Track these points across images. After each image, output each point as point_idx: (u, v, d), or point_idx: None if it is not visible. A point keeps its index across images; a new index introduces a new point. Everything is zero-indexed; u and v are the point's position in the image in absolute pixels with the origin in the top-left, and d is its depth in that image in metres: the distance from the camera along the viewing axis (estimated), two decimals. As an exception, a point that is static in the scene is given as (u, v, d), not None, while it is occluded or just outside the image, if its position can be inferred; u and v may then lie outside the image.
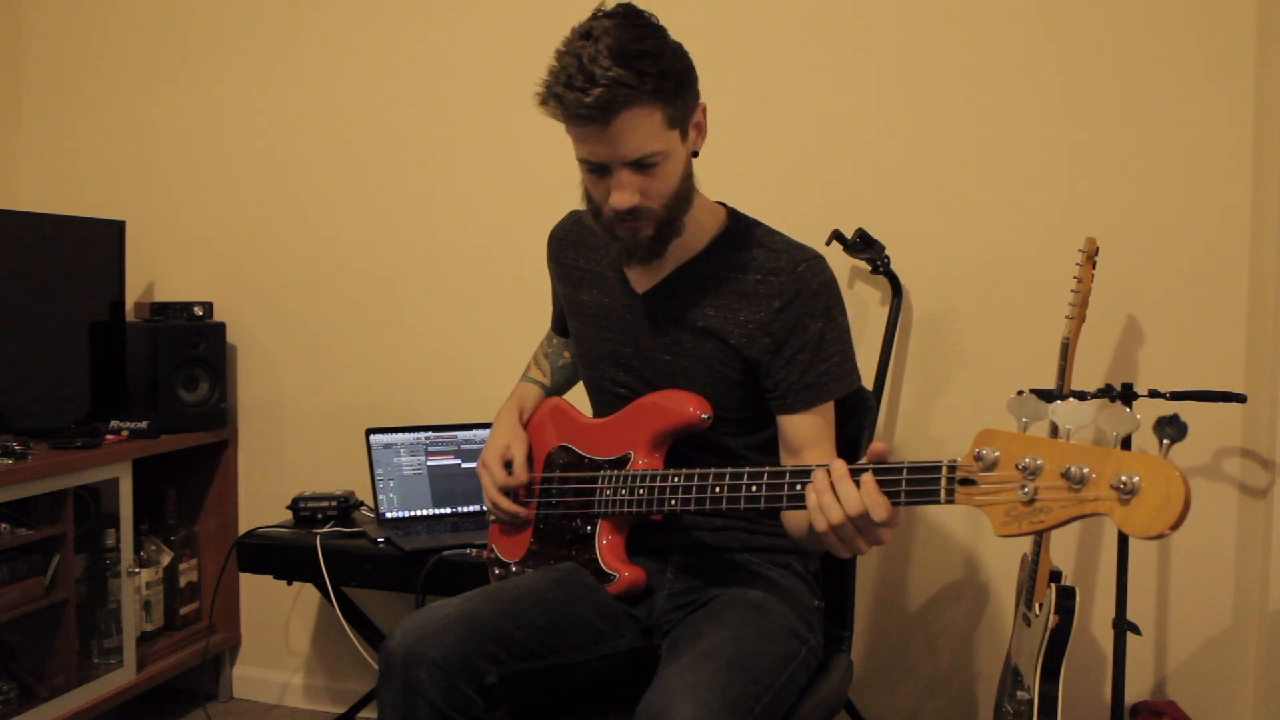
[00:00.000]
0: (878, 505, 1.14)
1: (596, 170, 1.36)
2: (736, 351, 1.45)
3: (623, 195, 1.35)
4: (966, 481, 1.08)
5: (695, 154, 1.43)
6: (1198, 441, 2.04)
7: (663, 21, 1.38)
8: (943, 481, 1.10)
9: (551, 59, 1.33)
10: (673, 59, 1.32)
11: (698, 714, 1.18)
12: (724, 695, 1.22)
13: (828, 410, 1.47)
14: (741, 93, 2.27)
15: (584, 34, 1.30)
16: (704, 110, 1.41)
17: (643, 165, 1.34)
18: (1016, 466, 1.03)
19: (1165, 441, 1.00)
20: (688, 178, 1.42)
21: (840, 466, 1.18)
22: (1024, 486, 1.02)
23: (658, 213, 1.39)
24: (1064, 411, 1.04)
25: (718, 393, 1.48)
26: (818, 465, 1.22)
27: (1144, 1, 2.03)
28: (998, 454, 1.05)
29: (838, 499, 1.16)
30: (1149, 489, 0.93)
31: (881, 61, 2.19)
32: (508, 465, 1.62)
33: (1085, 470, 0.97)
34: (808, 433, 1.45)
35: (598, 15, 1.33)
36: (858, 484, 1.16)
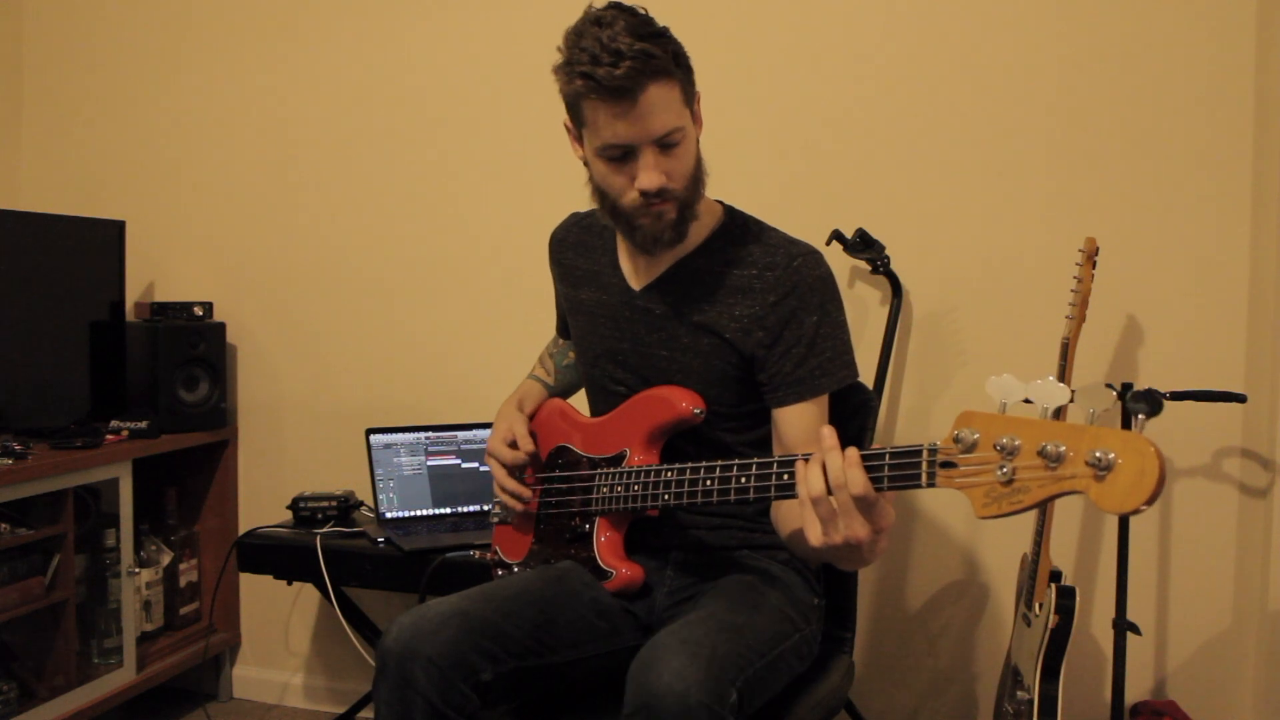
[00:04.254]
0: (856, 481, 1.13)
1: (619, 158, 1.38)
2: (732, 346, 1.46)
3: (650, 175, 1.36)
4: (947, 464, 1.07)
5: (696, 140, 1.44)
6: (1198, 441, 2.04)
7: (665, 20, 1.38)
8: (924, 465, 1.10)
9: (559, 50, 1.36)
10: (678, 45, 1.37)
11: (687, 665, 1.18)
12: (714, 651, 1.22)
13: (821, 403, 1.47)
14: (742, 93, 2.27)
15: (594, 21, 1.33)
16: (699, 100, 1.44)
17: (666, 145, 1.37)
18: (995, 447, 1.02)
19: (1139, 416, 1.00)
20: (700, 160, 1.44)
21: (831, 438, 1.18)
22: (1002, 467, 1.01)
23: (680, 194, 1.41)
24: (1041, 390, 1.03)
25: (715, 388, 1.48)
26: (804, 455, 1.22)
27: (1144, 1, 2.03)
28: (977, 435, 1.05)
29: (824, 470, 1.16)
30: (1124, 465, 0.93)
31: (882, 62, 2.19)
32: (513, 447, 1.62)
33: (1061, 448, 0.97)
34: (801, 427, 1.45)
35: (597, 9, 1.36)
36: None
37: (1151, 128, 2.04)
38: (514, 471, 1.61)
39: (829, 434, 1.17)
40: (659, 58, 1.31)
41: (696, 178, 1.43)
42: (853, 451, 1.14)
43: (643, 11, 1.37)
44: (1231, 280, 2.01)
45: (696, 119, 1.43)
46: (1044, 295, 2.09)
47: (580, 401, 1.70)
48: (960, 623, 2.22)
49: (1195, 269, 2.03)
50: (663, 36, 1.34)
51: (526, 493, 1.60)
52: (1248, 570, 2.00)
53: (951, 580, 2.22)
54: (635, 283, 1.54)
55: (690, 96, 1.40)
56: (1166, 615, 2.08)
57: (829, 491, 1.15)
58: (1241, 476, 2.03)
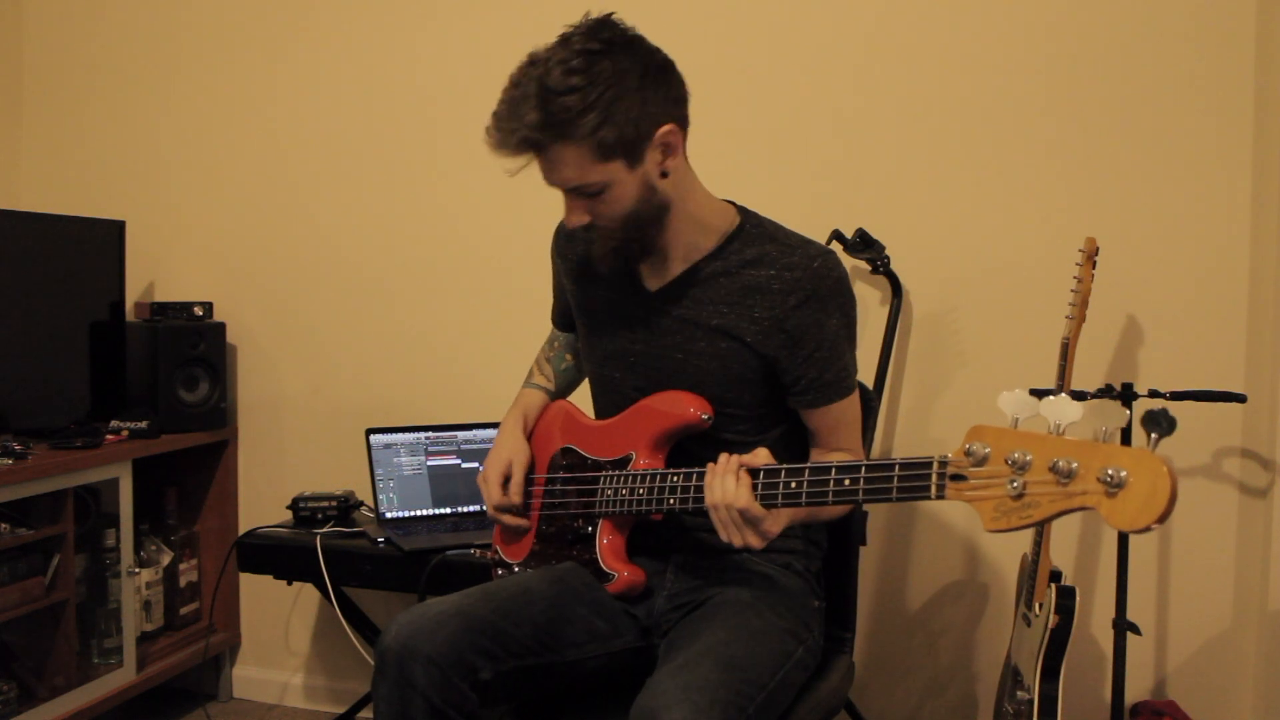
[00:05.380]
0: (738, 498, 1.28)
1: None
2: (752, 349, 1.46)
3: (570, 216, 1.42)
4: (957, 477, 1.08)
5: (665, 174, 1.40)
6: (1198, 441, 2.04)
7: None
8: (933, 477, 1.11)
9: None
10: (604, 94, 1.29)
11: (689, 716, 1.18)
12: (715, 696, 1.22)
13: (851, 397, 1.51)
14: (742, 93, 2.27)
15: (530, 62, 1.33)
16: (673, 131, 1.36)
17: (583, 192, 1.37)
18: (1006, 461, 1.03)
19: (1154, 436, 1.00)
20: (646, 200, 1.40)
21: (733, 461, 1.31)
22: (1013, 481, 1.02)
23: (615, 232, 1.43)
24: (1053, 407, 1.04)
25: (732, 390, 1.48)
26: (765, 466, 1.31)
27: (1144, 1, 2.03)
28: (988, 449, 1.05)
29: (722, 484, 1.30)
30: (1135, 482, 0.93)
31: (882, 62, 2.19)
32: (508, 481, 1.62)
33: (1073, 464, 0.98)
34: (831, 420, 1.49)
35: (563, 37, 1.34)
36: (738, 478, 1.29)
37: (1151, 128, 2.04)
38: (500, 508, 1.62)
39: (724, 460, 1.31)
40: (549, 131, 1.30)
41: (637, 217, 1.40)
42: (745, 476, 1.29)
43: (598, 44, 1.31)
44: (1231, 280, 2.01)
45: (667, 153, 1.37)
46: (1044, 295, 2.09)
47: (582, 400, 1.70)
48: (960, 623, 2.22)
49: (1195, 269, 2.03)
50: (575, 91, 1.28)
51: (518, 523, 1.62)
52: (1248, 570, 2.00)
53: (951, 580, 2.22)
54: (650, 284, 1.53)
55: (622, 146, 1.32)
56: (1166, 615, 2.09)
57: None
58: (1241, 476, 2.03)
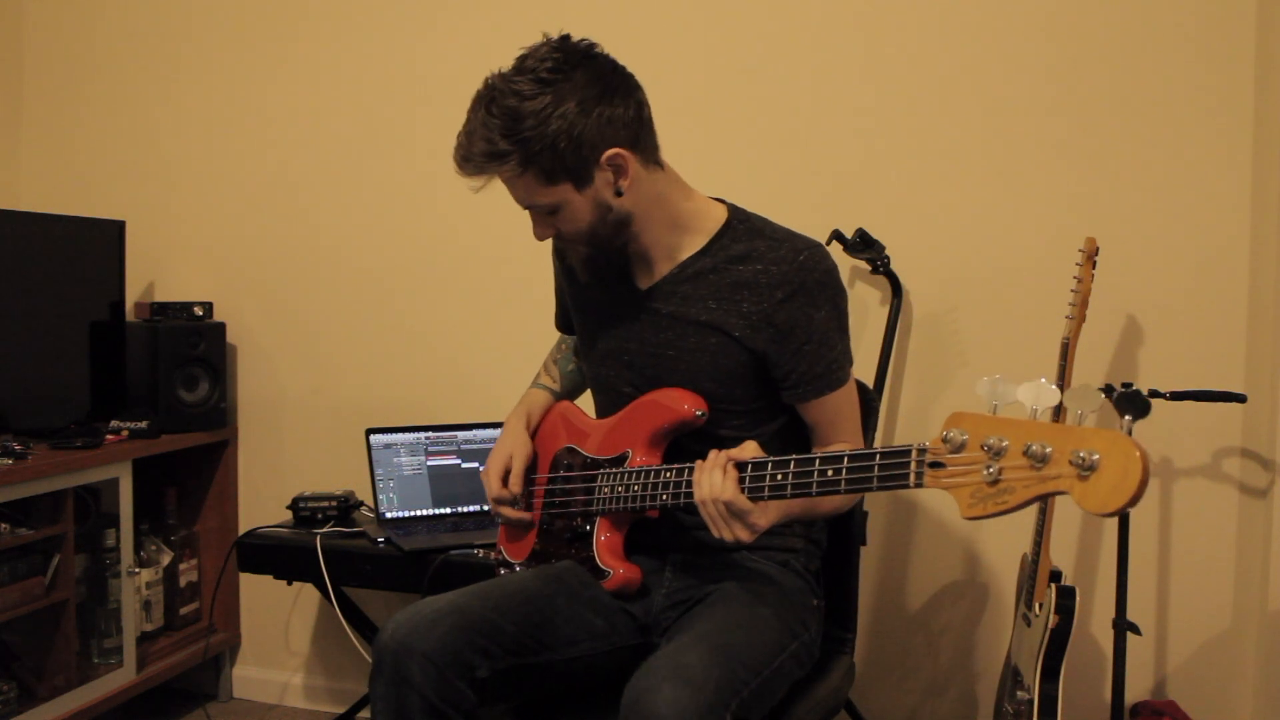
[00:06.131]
0: (724, 491, 1.28)
1: None
2: (741, 344, 1.46)
3: (535, 229, 1.47)
4: (936, 464, 1.08)
5: (620, 193, 1.41)
6: (1198, 441, 2.04)
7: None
8: (912, 465, 1.11)
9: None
10: (545, 122, 1.33)
11: (680, 695, 1.18)
12: (707, 677, 1.22)
13: (846, 389, 1.50)
14: (742, 93, 2.27)
15: (485, 86, 1.37)
16: (619, 155, 1.38)
17: (540, 210, 1.42)
18: (982, 447, 1.03)
19: (1127, 418, 1.00)
20: (602, 218, 1.43)
21: (721, 456, 1.31)
22: (989, 467, 1.01)
23: (581, 248, 1.47)
24: (1029, 392, 1.04)
25: (724, 386, 1.48)
26: (753, 459, 1.30)
27: (1145, 2, 2.03)
28: (965, 436, 1.05)
29: (710, 479, 1.30)
30: (1107, 465, 0.93)
31: (882, 61, 2.19)
32: (508, 475, 1.63)
33: (1047, 449, 0.97)
34: (828, 413, 1.49)
35: (518, 61, 1.38)
36: (725, 473, 1.29)
37: (1152, 128, 2.04)
38: (500, 500, 1.63)
39: (713, 455, 1.31)
40: (493, 161, 1.35)
41: (597, 233, 1.44)
42: (732, 470, 1.29)
43: (548, 72, 1.34)
44: (1231, 280, 2.01)
45: (618, 174, 1.39)
46: (1044, 295, 2.09)
47: (585, 402, 1.70)
48: (960, 623, 2.22)
49: (1195, 269, 2.03)
50: (517, 119, 1.32)
51: (521, 516, 1.62)
52: (1248, 570, 2.00)
53: (951, 580, 2.22)
54: (641, 282, 1.54)
55: (566, 171, 1.36)
56: (1166, 615, 2.08)
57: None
58: (1241, 476, 2.03)
